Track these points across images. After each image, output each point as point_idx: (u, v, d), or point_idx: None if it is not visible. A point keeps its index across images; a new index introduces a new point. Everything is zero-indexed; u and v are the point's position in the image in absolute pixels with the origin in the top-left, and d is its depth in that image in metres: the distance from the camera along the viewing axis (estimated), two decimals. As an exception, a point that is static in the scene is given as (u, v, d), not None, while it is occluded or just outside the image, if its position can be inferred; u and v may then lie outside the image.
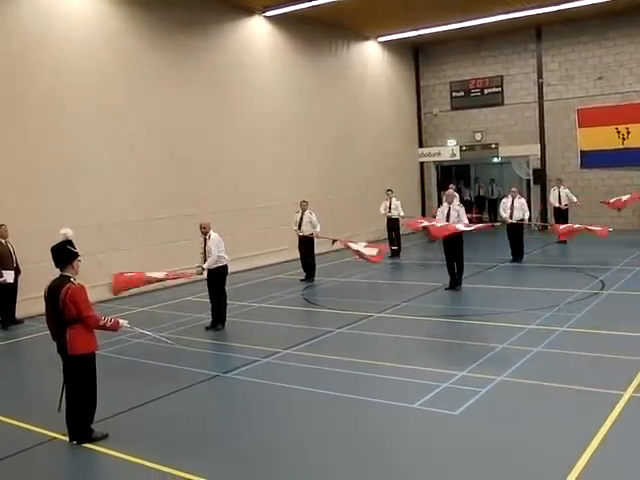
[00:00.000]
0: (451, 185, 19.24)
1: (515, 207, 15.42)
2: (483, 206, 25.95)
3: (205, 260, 10.12)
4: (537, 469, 5.06)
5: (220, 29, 16.27)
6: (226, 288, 10.46)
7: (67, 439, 6.03)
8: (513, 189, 15.95)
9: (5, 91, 11.85)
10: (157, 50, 14.60)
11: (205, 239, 10.16)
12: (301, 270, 14.73)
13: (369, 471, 5.22)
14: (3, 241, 11.12)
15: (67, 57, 12.87)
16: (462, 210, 12.56)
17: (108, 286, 9.93)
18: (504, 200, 16.04)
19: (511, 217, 15.42)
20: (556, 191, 18.85)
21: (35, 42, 12.32)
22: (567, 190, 18.84)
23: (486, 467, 5.18)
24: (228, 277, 10.63)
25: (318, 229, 14.51)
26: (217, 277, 10.28)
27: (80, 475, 5.70)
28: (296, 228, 14.55)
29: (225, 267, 10.34)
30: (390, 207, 17.44)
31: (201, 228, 10.19)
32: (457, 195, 13.21)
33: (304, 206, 14.55)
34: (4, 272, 10.93)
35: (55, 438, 6.12)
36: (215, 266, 10.19)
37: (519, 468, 5.12)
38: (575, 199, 18.72)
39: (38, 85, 12.32)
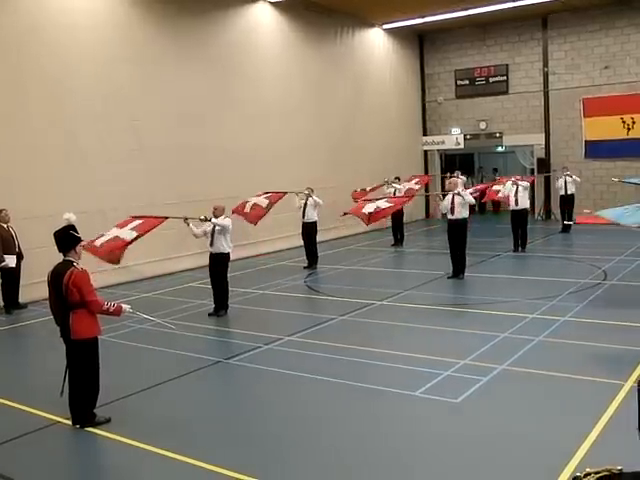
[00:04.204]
0: (456, 172, 19.20)
1: (519, 195, 15.34)
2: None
3: (212, 243, 10.13)
4: (538, 457, 5.08)
5: (225, 15, 16.17)
6: (228, 275, 10.48)
7: (70, 423, 6.07)
8: (516, 177, 15.79)
9: (8, 75, 11.80)
10: (162, 36, 14.51)
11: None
12: (304, 257, 14.75)
13: (370, 457, 5.24)
14: (5, 226, 11.14)
15: (71, 41, 12.79)
16: (462, 191, 12.43)
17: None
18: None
19: (516, 204, 15.35)
20: (562, 179, 18.57)
21: (37, 26, 12.22)
22: (571, 177, 18.55)
23: (487, 455, 5.20)
24: (231, 264, 10.65)
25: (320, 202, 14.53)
26: (220, 263, 10.30)
27: (83, 458, 5.74)
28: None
29: (228, 254, 10.36)
30: (395, 194, 17.49)
31: (215, 210, 10.19)
32: (461, 180, 12.97)
33: (308, 193, 14.54)
34: (6, 257, 10.96)
35: (58, 422, 6.17)
36: (218, 252, 10.20)
37: (520, 456, 5.13)
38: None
39: (41, 69, 12.26)
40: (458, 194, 12.19)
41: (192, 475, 5.08)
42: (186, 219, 9.99)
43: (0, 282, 11.25)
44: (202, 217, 10.05)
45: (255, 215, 12.58)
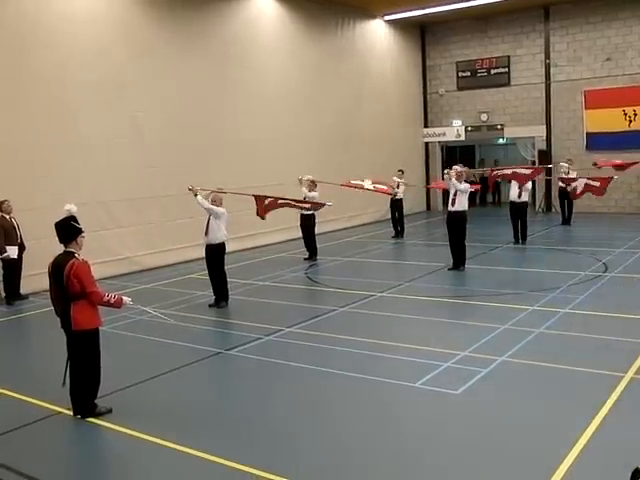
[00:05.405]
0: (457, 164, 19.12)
1: (523, 187, 15.27)
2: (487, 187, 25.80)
3: (207, 232, 10.15)
4: (537, 448, 5.09)
5: (226, 6, 16.10)
6: (225, 265, 10.45)
7: (71, 413, 6.09)
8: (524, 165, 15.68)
9: (7, 66, 11.76)
10: (163, 28, 14.45)
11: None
12: (304, 249, 14.74)
13: (369, 447, 5.26)
14: (7, 217, 11.14)
15: (72, 33, 12.74)
16: (454, 182, 12.38)
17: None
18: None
19: (519, 197, 15.29)
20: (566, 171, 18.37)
21: (35, 17, 12.16)
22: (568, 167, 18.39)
23: (487, 445, 5.21)
24: (232, 255, 10.64)
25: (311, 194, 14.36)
26: (215, 255, 10.27)
27: (84, 449, 5.75)
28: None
29: (222, 244, 10.31)
30: (397, 187, 17.51)
31: (213, 202, 10.21)
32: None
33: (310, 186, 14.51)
34: (8, 248, 10.97)
35: (60, 412, 6.19)
36: (212, 243, 10.20)
37: (519, 447, 5.15)
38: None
39: (41, 60, 12.22)
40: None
41: (193, 465, 5.10)
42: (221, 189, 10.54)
43: (2, 273, 11.27)
44: (190, 187, 10.19)
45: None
